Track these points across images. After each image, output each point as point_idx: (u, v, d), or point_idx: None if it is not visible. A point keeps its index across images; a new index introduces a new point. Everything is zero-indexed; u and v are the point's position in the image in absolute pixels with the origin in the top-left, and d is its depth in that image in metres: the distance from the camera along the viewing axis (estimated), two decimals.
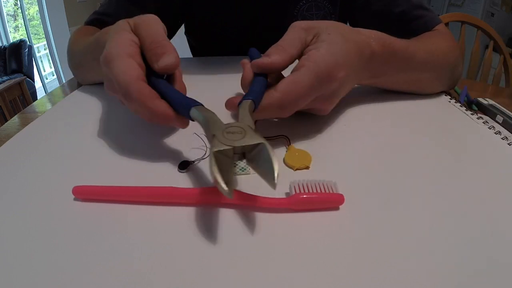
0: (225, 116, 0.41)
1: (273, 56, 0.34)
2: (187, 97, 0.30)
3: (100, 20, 0.59)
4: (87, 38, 0.52)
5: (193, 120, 0.29)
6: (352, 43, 0.36)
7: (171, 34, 0.69)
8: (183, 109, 0.29)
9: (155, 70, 0.31)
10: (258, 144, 0.24)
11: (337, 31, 0.36)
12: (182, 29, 0.74)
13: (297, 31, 0.36)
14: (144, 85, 0.29)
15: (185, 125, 0.30)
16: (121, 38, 0.32)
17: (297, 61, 0.35)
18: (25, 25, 3.29)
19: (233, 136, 0.25)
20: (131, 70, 0.29)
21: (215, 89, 0.49)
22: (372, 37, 0.39)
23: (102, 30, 0.43)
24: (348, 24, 0.70)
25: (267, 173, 0.23)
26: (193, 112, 0.28)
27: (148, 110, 0.28)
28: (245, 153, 0.25)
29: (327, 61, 0.33)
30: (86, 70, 0.51)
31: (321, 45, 0.34)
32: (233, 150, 0.24)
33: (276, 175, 0.22)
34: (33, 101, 0.63)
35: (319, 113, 0.38)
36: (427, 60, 0.45)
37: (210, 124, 0.26)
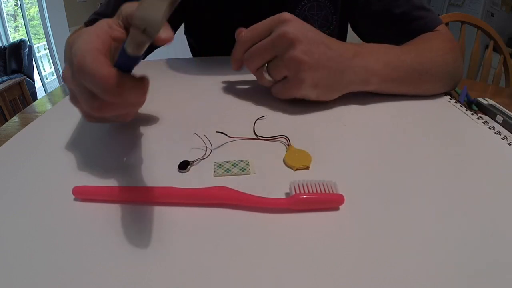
0: (225, 111, 0.41)
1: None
2: None
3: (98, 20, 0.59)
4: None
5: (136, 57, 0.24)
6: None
7: None
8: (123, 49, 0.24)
9: None
10: None
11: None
12: (181, 28, 0.74)
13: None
14: (99, 54, 0.26)
15: (117, 94, 0.25)
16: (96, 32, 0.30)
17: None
18: (25, 25, 3.29)
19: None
20: (91, 43, 0.27)
21: (214, 88, 0.49)
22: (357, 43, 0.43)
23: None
24: (348, 25, 0.70)
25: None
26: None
27: (97, 79, 0.25)
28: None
29: (279, 14, 0.40)
30: None
31: None
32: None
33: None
34: (33, 101, 0.63)
35: (287, 90, 0.41)
36: (423, 63, 0.45)
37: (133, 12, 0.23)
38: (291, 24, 0.39)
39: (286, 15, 0.40)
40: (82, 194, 0.27)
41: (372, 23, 0.60)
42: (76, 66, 0.26)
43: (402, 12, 0.55)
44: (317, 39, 0.40)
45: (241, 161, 0.32)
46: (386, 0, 0.56)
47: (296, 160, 0.32)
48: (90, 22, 0.60)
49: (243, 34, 0.42)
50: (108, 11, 0.60)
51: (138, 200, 0.27)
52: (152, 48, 0.69)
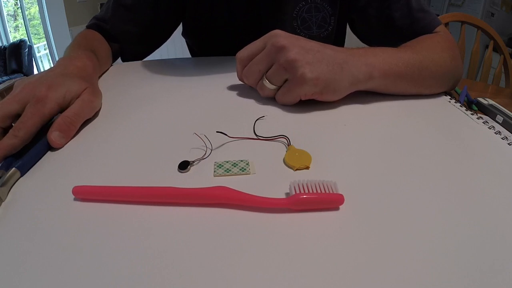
0: (226, 115, 0.41)
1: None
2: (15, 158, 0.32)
3: (98, 25, 0.62)
4: (75, 46, 0.54)
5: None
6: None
7: (167, 35, 0.69)
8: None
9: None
10: None
11: None
12: (180, 29, 0.73)
13: None
14: None
15: None
16: None
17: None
18: (25, 25, 3.28)
19: None
20: None
21: (214, 88, 0.49)
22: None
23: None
24: (347, 27, 0.70)
25: None
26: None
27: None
28: None
29: (271, 32, 0.41)
30: None
31: None
32: None
33: None
34: None
35: (291, 92, 0.41)
36: (421, 60, 0.45)
37: None
38: (282, 35, 0.40)
39: (277, 31, 0.41)
40: (82, 194, 0.27)
41: (370, 25, 0.60)
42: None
43: (401, 15, 0.55)
44: (309, 46, 0.40)
45: (241, 161, 0.32)
46: (385, 3, 0.56)
47: (296, 160, 0.32)
48: (91, 26, 0.62)
49: (239, 53, 0.44)
50: (106, 17, 0.62)
51: (138, 200, 0.27)
52: (151, 49, 0.69)
